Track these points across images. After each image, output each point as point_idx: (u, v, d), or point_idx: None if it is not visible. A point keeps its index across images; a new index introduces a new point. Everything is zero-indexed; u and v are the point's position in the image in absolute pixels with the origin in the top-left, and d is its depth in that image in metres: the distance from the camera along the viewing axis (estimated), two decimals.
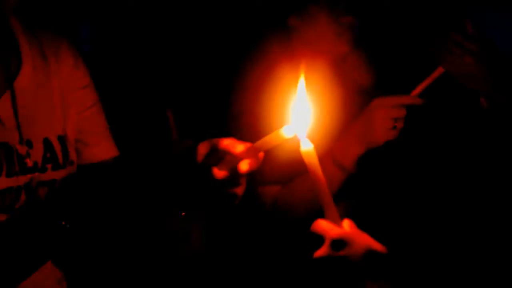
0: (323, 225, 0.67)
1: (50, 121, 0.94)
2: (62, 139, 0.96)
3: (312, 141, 0.63)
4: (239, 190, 0.78)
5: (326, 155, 1.11)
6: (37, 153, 0.91)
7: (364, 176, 1.16)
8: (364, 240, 0.66)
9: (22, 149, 0.90)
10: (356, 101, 1.23)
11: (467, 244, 1.27)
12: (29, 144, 0.91)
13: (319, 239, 0.66)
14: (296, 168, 0.97)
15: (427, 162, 1.24)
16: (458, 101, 1.18)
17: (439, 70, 1.10)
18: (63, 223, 0.79)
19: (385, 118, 1.08)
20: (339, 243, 0.65)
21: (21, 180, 0.89)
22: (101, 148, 1.04)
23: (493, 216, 1.27)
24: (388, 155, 1.15)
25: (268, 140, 0.70)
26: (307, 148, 0.63)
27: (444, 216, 1.29)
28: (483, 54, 1.05)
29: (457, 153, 1.25)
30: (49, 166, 0.93)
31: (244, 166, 0.71)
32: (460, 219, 1.38)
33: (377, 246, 0.66)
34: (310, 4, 1.18)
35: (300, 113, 0.65)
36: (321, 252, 0.67)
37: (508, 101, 1.06)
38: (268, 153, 0.74)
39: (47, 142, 0.93)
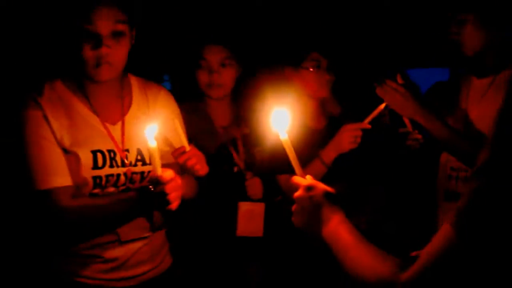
0: (298, 179, 1.10)
1: (139, 140, 1.49)
2: (140, 150, 1.51)
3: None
4: None
5: (315, 157, 1.81)
6: (132, 156, 1.49)
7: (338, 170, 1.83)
8: (321, 185, 1.07)
9: (122, 154, 1.47)
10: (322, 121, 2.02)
11: None
12: (127, 150, 1.48)
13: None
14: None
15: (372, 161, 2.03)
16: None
17: (382, 105, 1.73)
18: (150, 187, 1.28)
19: (350, 136, 1.78)
20: (309, 188, 1.06)
21: (120, 170, 1.46)
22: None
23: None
24: (351, 157, 1.82)
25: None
26: (284, 137, 1.09)
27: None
28: (406, 93, 1.66)
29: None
30: (139, 163, 1.50)
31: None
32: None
33: (329, 188, 1.07)
34: (303, 62, 1.87)
35: (279, 119, 1.10)
36: (298, 194, 1.06)
37: (425, 123, 1.65)
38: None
39: (139, 150, 1.50)
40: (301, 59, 1.88)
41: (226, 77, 1.88)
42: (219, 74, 1.86)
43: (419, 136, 1.86)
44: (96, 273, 1.45)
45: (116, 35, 1.37)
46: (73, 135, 1.40)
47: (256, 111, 1.84)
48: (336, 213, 1.01)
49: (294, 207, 1.07)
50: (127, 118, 1.50)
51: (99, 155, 1.42)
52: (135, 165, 1.48)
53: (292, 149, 1.09)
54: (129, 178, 1.47)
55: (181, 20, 2.40)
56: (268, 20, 2.57)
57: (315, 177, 1.11)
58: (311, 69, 1.88)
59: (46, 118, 1.38)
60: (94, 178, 1.41)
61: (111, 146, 1.44)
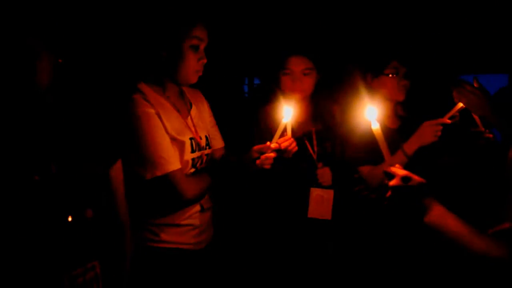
0: (395, 169, 1.31)
1: (203, 128, 1.88)
2: (207, 136, 1.89)
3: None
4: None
5: (399, 149, 2.00)
6: (203, 141, 1.86)
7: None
8: (416, 177, 1.27)
9: (200, 140, 1.83)
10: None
11: None
12: (200, 138, 1.84)
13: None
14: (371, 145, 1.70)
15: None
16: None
17: (459, 104, 1.90)
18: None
19: (432, 130, 1.95)
20: (406, 178, 1.25)
21: (201, 153, 1.83)
22: (217, 141, 1.98)
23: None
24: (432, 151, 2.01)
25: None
26: (376, 126, 1.37)
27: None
28: (482, 95, 1.80)
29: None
30: (207, 147, 1.87)
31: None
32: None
33: (423, 180, 1.25)
34: (384, 69, 2.13)
35: (371, 113, 1.41)
36: (395, 182, 1.24)
37: (497, 122, 1.80)
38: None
39: (206, 137, 1.88)
40: (382, 67, 2.12)
41: (307, 84, 2.14)
42: (301, 82, 2.12)
43: (490, 135, 2.01)
44: (188, 238, 1.77)
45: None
46: (173, 126, 1.72)
47: (342, 110, 2.13)
48: (435, 202, 1.21)
49: (388, 194, 1.26)
50: (192, 112, 1.87)
51: (193, 141, 1.78)
52: (205, 148, 1.86)
53: (383, 138, 1.29)
54: (204, 159, 1.85)
55: (268, 30, 2.67)
56: (350, 32, 2.79)
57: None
58: (391, 76, 2.11)
59: (158, 114, 1.68)
60: (193, 159, 1.78)
61: (192, 134, 1.79)
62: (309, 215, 2.09)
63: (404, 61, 2.13)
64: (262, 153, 1.75)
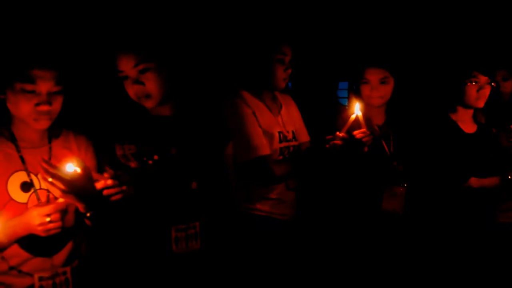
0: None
1: (291, 125, 2.26)
2: (293, 131, 2.27)
3: None
4: None
5: None
6: (290, 135, 2.23)
7: None
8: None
9: (287, 134, 2.21)
10: None
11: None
12: (287, 132, 2.22)
13: None
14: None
15: None
16: None
17: None
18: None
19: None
20: None
21: (288, 144, 2.20)
22: (303, 136, 2.32)
23: None
24: None
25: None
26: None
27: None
28: None
29: None
30: (293, 140, 2.25)
31: None
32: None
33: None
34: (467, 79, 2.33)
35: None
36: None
37: None
38: None
39: (293, 132, 2.25)
40: (463, 77, 2.32)
41: (384, 91, 2.37)
42: (377, 90, 2.36)
43: None
44: (276, 209, 2.13)
45: None
46: (265, 122, 2.13)
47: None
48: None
49: None
50: (282, 111, 2.26)
51: (280, 134, 2.17)
52: (292, 140, 2.23)
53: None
54: (291, 149, 2.22)
55: (349, 45, 2.97)
56: (427, 43, 2.98)
57: None
58: (469, 84, 2.31)
59: (254, 113, 2.09)
60: (281, 149, 2.16)
61: (281, 128, 2.19)
62: (383, 209, 2.32)
63: (484, 71, 2.29)
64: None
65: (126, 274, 1.74)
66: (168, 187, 1.71)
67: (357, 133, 2.09)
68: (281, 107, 2.26)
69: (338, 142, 2.03)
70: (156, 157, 1.72)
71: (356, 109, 2.07)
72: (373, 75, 2.34)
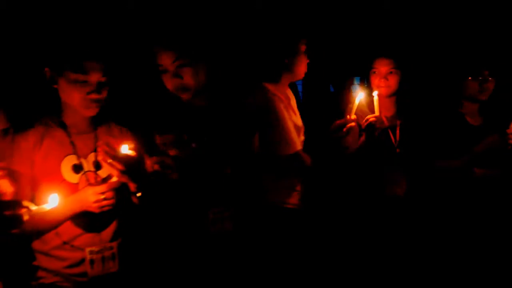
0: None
1: (299, 117, 2.39)
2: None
3: None
4: None
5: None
6: (302, 127, 2.38)
7: None
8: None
9: (301, 127, 2.35)
10: None
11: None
12: (300, 125, 2.37)
13: None
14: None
15: None
16: None
17: None
18: None
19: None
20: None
21: (302, 135, 2.37)
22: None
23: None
24: None
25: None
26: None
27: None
28: None
29: None
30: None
31: None
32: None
33: None
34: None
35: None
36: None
37: None
38: None
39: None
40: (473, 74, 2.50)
41: (392, 82, 2.55)
42: (386, 80, 2.54)
43: None
44: (296, 200, 2.28)
45: None
46: (291, 116, 2.25)
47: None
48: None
49: None
50: (292, 103, 2.37)
51: (298, 127, 2.31)
52: (301, 131, 2.35)
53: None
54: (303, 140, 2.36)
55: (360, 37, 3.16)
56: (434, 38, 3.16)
57: None
58: (470, 78, 2.49)
59: (286, 107, 2.22)
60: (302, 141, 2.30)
61: (298, 122, 2.33)
62: (386, 194, 2.51)
63: (487, 65, 2.48)
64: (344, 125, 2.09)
65: (166, 252, 1.90)
66: (205, 172, 1.87)
67: (371, 117, 2.27)
68: (289, 99, 2.40)
69: (352, 124, 2.08)
70: (194, 144, 1.87)
71: (363, 95, 2.17)
72: (382, 66, 2.53)
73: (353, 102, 2.15)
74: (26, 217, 1.32)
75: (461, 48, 2.78)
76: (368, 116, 2.28)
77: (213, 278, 1.91)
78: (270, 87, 2.23)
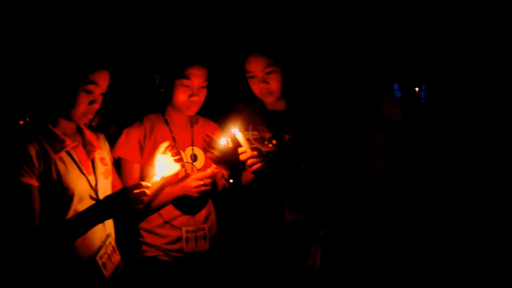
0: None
1: None
2: None
3: None
4: None
5: None
6: None
7: None
8: None
9: None
10: None
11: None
12: None
13: None
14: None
15: None
16: None
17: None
18: None
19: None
20: None
21: None
22: None
23: None
24: None
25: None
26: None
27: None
28: None
29: None
30: None
31: None
32: None
33: None
34: None
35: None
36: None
37: None
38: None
39: None
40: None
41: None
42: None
43: None
44: None
45: None
46: None
47: None
48: None
49: None
50: None
51: None
52: None
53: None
54: None
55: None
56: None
57: None
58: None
59: None
60: None
61: None
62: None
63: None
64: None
65: (246, 235, 2.16)
66: (284, 166, 2.12)
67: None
68: None
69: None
70: (274, 141, 2.12)
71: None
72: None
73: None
74: (148, 192, 1.60)
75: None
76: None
77: (283, 262, 2.12)
78: None
